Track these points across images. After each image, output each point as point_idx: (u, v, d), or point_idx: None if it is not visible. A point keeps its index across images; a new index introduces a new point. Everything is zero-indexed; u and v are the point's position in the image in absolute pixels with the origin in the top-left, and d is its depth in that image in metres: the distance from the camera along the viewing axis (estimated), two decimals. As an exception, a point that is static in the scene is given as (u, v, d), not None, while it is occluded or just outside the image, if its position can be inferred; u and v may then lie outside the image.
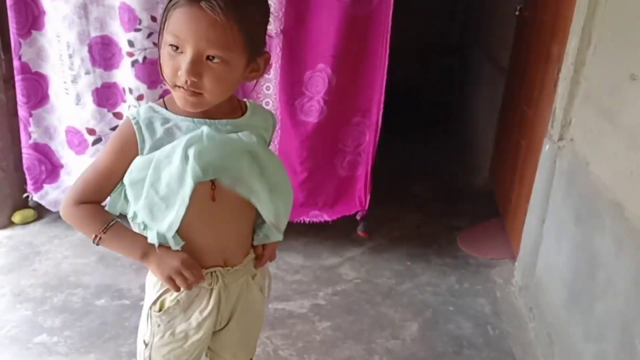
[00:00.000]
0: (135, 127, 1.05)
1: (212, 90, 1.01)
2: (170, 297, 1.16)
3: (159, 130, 1.06)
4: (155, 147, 1.05)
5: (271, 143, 1.29)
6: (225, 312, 1.22)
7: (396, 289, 2.48)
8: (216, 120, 1.08)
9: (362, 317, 2.25)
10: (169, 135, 1.06)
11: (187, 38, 0.97)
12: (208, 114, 1.08)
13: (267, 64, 1.11)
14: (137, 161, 1.06)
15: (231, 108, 1.14)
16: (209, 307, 1.18)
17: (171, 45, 0.99)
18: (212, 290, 1.17)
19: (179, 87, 1.01)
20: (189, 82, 0.99)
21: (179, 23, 0.97)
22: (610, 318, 1.55)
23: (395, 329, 2.20)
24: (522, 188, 2.60)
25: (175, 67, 0.99)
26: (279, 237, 1.24)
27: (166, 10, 1.00)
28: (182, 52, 0.98)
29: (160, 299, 1.17)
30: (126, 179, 1.07)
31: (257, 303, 1.29)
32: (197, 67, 0.98)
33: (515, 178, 2.78)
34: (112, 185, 1.10)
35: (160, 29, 1.02)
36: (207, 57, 0.98)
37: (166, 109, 1.08)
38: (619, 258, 1.54)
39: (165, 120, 1.07)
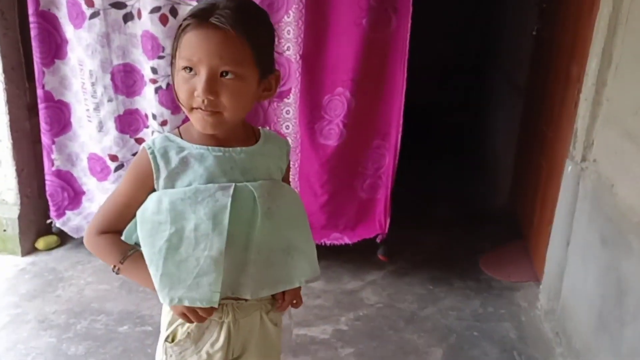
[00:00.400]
0: (150, 156, 1.07)
1: (230, 108, 1.02)
2: (182, 329, 1.17)
3: (174, 159, 1.07)
4: (170, 176, 1.06)
5: (291, 167, 1.29)
6: (236, 344, 1.20)
7: (419, 313, 2.45)
8: (230, 148, 1.09)
9: (385, 343, 2.23)
10: (184, 165, 1.07)
11: (200, 58, 0.99)
12: (222, 142, 1.09)
13: (278, 82, 1.12)
14: (152, 200, 1.07)
15: (245, 135, 1.15)
16: (220, 341, 1.17)
17: (185, 68, 1.01)
18: (222, 323, 1.17)
19: (196, 109, 1.02)
20: (206, 101, 1.00)
21: (191, 45, 0.99)
22: (642, 344, 1.52)
23: (420, 355, 2.16)
24: (545, 210, 2.57)
25: (191, 90, 1.01)
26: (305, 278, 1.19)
27: (177, 37, 1.02)
28: (196, 74, 1.00)
29: (173, 330, 1.17)
30: (138, 213, 1.09)
31: (272, 336, 1.26)
32: (213, 85, 0.99)
33: (537, 199, 2.75)
34: (132, 215, 1.12)
35: (172, 57, 1.04)
36: (221, 74, 1.00)
37: (181, 138, 1.10)
38: (648, 282, 1.51)
39: (180, 149, 1.08)
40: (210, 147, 1.08)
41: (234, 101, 1.02)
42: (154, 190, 1.09)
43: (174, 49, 1.03)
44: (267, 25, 1.09)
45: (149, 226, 1.07)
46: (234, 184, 1.06)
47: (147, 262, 1.07)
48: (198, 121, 1.04)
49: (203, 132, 1.07)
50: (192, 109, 1.03)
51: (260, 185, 1.08)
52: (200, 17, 0.99)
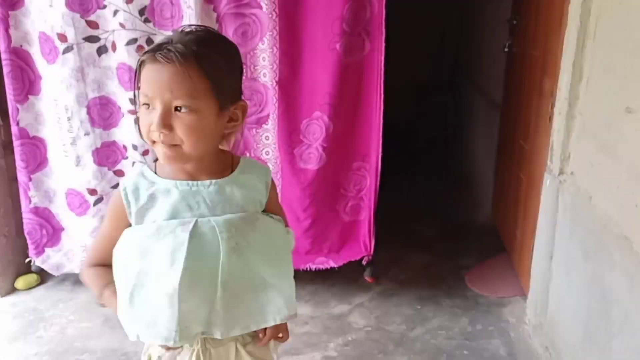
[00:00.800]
0: (122, 193, 1.10)
1: (187, 141, 1.02)
2: (155, 353, 1.18)
3: (143, 195, 1.09)
4: (139, 213, 1.09)
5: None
6: None
7: (408, 335, 2.43)
8: (199, 182, 1.10)
9: (375, 367, 2.21)
10: (152, 200, 1.09)
11: (154, 94, 1.00)
12: (192, 175, 1.10)
13: (244, 113, 1.12)
14: (123, 237, 1.09)
15: (220, 167, 1.14)
16: None
17: (144, 104, 1.02)
18: (192, 350, 1.16)
19: (156, 142, 1.03)
20: (161, 136, 1.01)
21: (146, 81, 1.01)
22: (630, 356, 1.52)
23: (410, 377, 2.15)
24: (527, 223, 2.59)
25: (149, 124, 1.02)
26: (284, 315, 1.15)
27: (136, 73, 1.04)
28: (153, 109, 1.01)
29: (148, 353, 1.20)
30: (114, 250, 1.10)
31: None
32: (166, 119, 1.00)
33: (519, 213, 2.77)
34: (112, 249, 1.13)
35: (134, 93, 1.05)
36: (176, 109, 1.00)
37: (155, 172, 1.12)
38: (632, 293, 1.51)
39: (150, 185, 1.10)
40: (177, 182, 1.09)
41: (189, 134, 1.02)
42: (129, 225, 1.11)
43: (135, 85, 1.04)
44: (228, 55, 1.09)
45: (121, 263, 1.08)
46: (194, 220, 1.05)
47: (118, 297, 1.08)
48: (160, 154, 1.06)
49: (169, 165, 1.08)
50: (153, 142, 1.04)
51: (224, 220, 1.07)
52: (152, 53, 1.00)
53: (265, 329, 1.19)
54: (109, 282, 1.12)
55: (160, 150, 1.04)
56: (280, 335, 1.23)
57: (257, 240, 1.10)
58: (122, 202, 1.10)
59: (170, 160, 1.05)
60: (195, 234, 1.04)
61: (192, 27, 1.08)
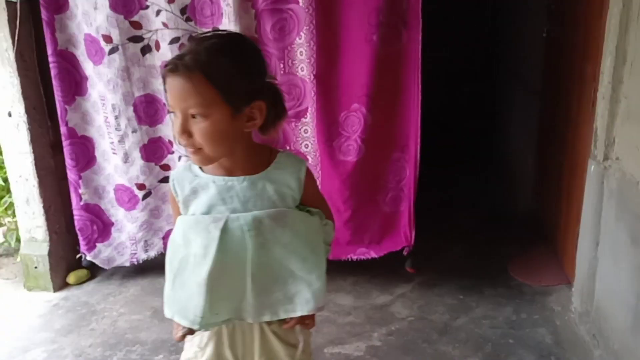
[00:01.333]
0: (170, 184, 1.23)
1: (206, 145, 1.10)
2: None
3: (187, 188, 1.20)
4: (184, 203, 1.21)
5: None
6: (236, 345, 1.28)
7: (451, 324, 2.44)
8: (234, 177, 1.17)
9: (420, 357, 2.22)
10: (194, 194, 1.20)
11: (173, 103, 1.09)
12: (229, 171, 1.18)
13: (262, 112, 1.14)
14: (176, 224, 1.23)
15: (257, 162, 1.20)
16: (207, 334, 1.28)
17: (171, 112, 1.12)
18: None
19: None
20: (183, 142, 1.10)
21: (168, 93, 1.10)
22: (683, 341, 1.50)
23: (456, 366, 2.15)
24: (571, 211, 2.55)
25: (175, 130, 1.12)
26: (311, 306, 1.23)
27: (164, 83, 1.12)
28: (176, 116, 1.10)
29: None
30: (171, 234, 1.25)
31: (276, 349, 1.29)
32: (185, 126, 1.08)
33: (562, 201, 2.73)
34: None
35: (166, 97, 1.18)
36: (192, 116, 1.08)
37: (200, 167, 1.21)
38: (684, 278, 1.49)
39: (193, 179, 1.21)
40: (215, 177, 1.18)
41: (207, 139, 1.09)
42: None
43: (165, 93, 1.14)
44: (242, 59, 1.12)
45: (171, 247, 1.22)
46: (225, 217, 1.14)
47: (165, 277, 1.22)
48: (189, 156, 1.16)
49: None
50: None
51: (253, 218, 1.15)
52: (168, 65, 1.08)
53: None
54: None
55: (188, 153, 1.14)
56: (307, 322, 1.28)
57: (286, 235, 1.18)
58: (172, 192, 1.23)
59: (196, 162, 1.16)
60: (225, 231, 1.13)
61: (212, 33, 1.17)
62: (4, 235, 3.17)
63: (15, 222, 2.98)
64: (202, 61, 1.06)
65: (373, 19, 2.26)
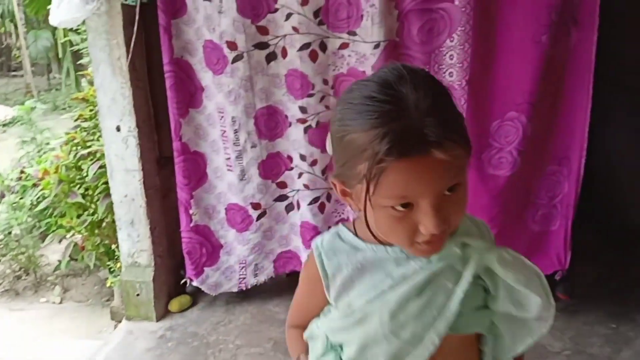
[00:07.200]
0: (317, 260, 0.93)
1: (454, 221, 0.81)
2: None
3: (346, 266, 0.90)
4: (343, 287, 0.90)
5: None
6: None
7: (615, 358, 2.17)
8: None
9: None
10: (360, 274, 0.89)
11: (421, 192, 0.77)
12: None
13: None
14: (334, 316, 0.94)
15: None
16: None
17: (394, 206, 0.78)
18: None
19: (419, 242, 0.81)
20: (439, 233, 0.79)
21: (404, 182, 0.76)
22: None
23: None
24: None
25: (412, 227, 0.80)
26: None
27: (370, 169, 0.76)
28: (412, 207, 0.78)
29: None
30: (325, 326, 0.97)
31: None
32: (442, 213, 0.78)
33: None
34: (311, 316, 1.01)
35: (367, 186, 0.77)
36: (446, 192, 0.78)
37: (355, 234, 0.92)
38: None
39: (353, 251, 0.91)
40: (391, 248, 0.89)
41: (462, 212, 0.82)
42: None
43: (369, 180, 0.77)
44: (446, 91, 0.83)
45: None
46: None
47: None
48: (420, 252, 0.83)
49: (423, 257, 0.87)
50: (413, 243, 0.82)
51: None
52: (405, 150, 0.74)
53: None
54: (306, 350, 1.01)
55: (422, 249, 0.82)
56: None
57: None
58: (317, 272, 0.92)
59: (434, 253, 0.84)
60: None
61: (402, 69, 0.79)
62: (81, 255, 2.92)
63: (94, 241, 2.78)
64: (447, 121, 0.76)
65: (544, 17, 2.02)
